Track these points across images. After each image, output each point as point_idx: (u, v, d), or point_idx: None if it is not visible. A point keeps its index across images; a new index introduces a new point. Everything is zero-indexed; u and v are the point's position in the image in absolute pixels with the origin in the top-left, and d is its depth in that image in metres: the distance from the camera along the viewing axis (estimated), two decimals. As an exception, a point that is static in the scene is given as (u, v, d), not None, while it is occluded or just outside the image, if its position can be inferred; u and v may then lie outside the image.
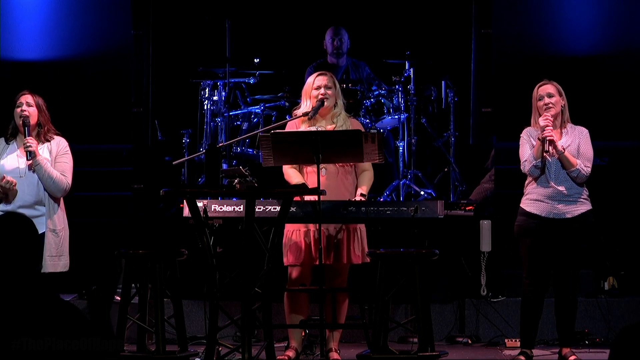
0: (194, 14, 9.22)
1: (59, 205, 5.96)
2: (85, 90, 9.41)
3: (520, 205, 6.27)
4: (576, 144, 6.18)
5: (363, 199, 6.04)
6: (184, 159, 7.54)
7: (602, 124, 9.12)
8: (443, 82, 8.60)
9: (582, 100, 9.18)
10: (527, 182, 6.28)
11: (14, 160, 5.96)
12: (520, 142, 6.25)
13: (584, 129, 6.26)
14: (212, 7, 9.16)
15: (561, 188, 6.13)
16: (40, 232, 5.82)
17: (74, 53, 9.61)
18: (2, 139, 6.09)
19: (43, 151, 5.98)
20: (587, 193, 6.23)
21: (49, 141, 6.02)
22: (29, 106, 5.98)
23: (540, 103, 6.17)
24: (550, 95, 6.18)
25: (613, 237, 7.84)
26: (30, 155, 5.89)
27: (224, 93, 8.50)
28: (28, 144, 5.89)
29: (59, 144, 6.03)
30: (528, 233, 6.19)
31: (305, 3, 9.34)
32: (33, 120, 5.98)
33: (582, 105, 9.07)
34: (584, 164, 6.13)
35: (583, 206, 6.19)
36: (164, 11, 9.10)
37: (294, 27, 9.32)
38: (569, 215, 6.15)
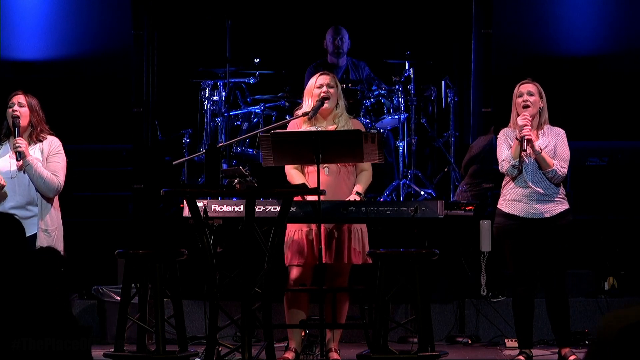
0: (194, 13, 9.22)
1: (52, 205, 5.93)
2: (85, 90, 9.42)
3: (498, 206, 6.27)
4: (553, 144, 6.19)
5: (358, 197, 6.03)
6: (184, 159, 7.53)
7: (601, 124, 9.14)
8: (443, 82, 8.60)
9: (581, 101, 9.19)
10: (504, 182, 6.28)
11: (5, 161, 5.94)
12: (497, 143, 6.28)
13: (560, 130, 6.26)
14: (212, 7, 9.16)
15: (538, 188, 6.13)
16: (32, 232, 5.81)
17: (74, 53, 9.62)
18: None
19: (35, 151, 5.95)
20: (565, 192, 6.24)
21: (42, 141, 5.98)
22: (20, 106, 5.95)
23: (519, 100, 6.18)
24: (530, 94, 6.18)
25: (613, 237, 7.84)
26: (20, 155, 5.87)
27: (224, 93, 8.50)
28: (17, 145, 5.87)
29: (51, 143, 5.99)
30: (508, 234, 6.20)
31: (305, 3, 9.34)
32: (24, 120, 5.95)
33: (582, 106, 9.09)
34: (560, 165, 6.13)
35: (561, 205, 6.19)
36: (164, 11, 9.10)
37: (294, 27, 9.32)
38: (547, 215, 6.15)
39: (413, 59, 8.51)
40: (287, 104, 8.43)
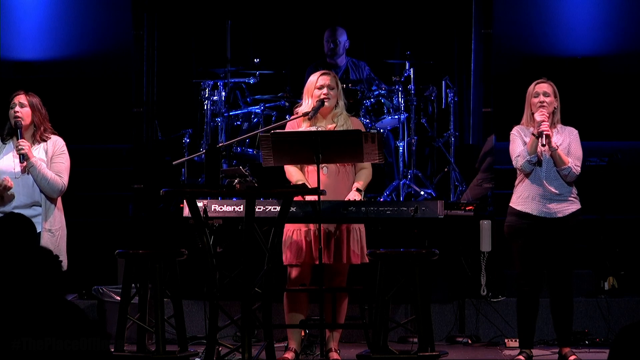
0: (194, 13, 9.22)
1: (55, 205, 5.93)
2: (85, 90, 9.42)
3: (510, 204, 6.27)
4: (567, 143, 6.20)
5: (358, 194, 6.02)
6: (184, 159, 7.52)
7: (601, 124, 9.15)
8: (443, 82, 8.59)
9: (581, 101, 9.20)
10: (517, 181, 6.28)
11: (9, 161, 5.93)
12: (510, 139, 6.27)
13: (573, 129, 6.27)
14: (212, 7, 9.15)
15: (552, 187, 6.14)
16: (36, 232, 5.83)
17: (74, 53, 9.62)
18: None
19: (39, 152, 5.94)
20: (576, 192, 6.24)
21: (45, 141, 5.96)
22: (21, 107, 5.93)
23: (535, 100, 6.18)
24: (546, 94, 6.19)
25: (613, 237, 7.84)
26: (23, 158, 5.86)
27: (224, 93, 8.50)
28: (20, 147, 5.86)
29: (55, 143, 5.98)
30: (520, 233, 6.19)
31: (305, 3, 9.33)
32: (26, 120, 5.94)
33: (581, 106, 9.10)
34: (574, 163, 6.15)
35: (573, 205, 6.20)
36: (164, 11, 9.09)
37: (294, 27, 9.31)
38: (560, 215, 6.16)
39: (413, 59, 8.51)
40: (287, 104, 8.42)
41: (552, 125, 6.22)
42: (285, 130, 6.16)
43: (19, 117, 5.90)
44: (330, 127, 6.11)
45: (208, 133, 8.48)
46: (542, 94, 6.18)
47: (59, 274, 3.06)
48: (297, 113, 6.23)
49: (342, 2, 9.35)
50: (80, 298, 7.52)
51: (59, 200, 5.98)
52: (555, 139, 6.18)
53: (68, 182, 5.98)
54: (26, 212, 5.81)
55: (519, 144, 6.19)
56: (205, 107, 8.53)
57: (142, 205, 8.37)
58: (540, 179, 6.16)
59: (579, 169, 6.17)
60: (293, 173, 6.12)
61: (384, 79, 8.60)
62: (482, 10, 8.70)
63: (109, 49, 9.48)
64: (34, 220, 5.77)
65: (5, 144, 6.00)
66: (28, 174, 5.88)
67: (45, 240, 5.83)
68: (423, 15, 9.23)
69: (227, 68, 8.48)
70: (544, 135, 6.04)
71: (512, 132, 6.27)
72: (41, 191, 5.88)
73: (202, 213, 5.67)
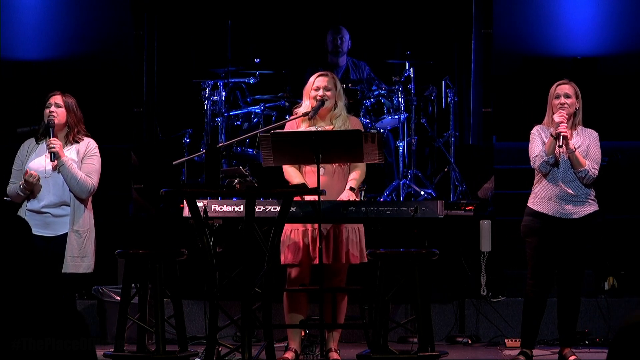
0: (194, 13, 9.21)
1: (85, 206, 5.95)
2: (85, 90, 9.39)
3: (528, 204, 6.26)
4: (586, 145, 6.19)
5: (352, 193, 6.02)
6: (184, 159, 7.52)
7: (601, 124, 9.13)
8: (443, 82, 8.59)
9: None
10: (535, 181, 6.27)
11: (41, 160, 5.98)
12: (530, 138, 6.24)
13: (594, 132, 6.26)
14: (212, 7, 9.15)
15: (568, 188, 6.12)
16: (63, 232, 5.89)
17: (74, 53, 9.62)
18: (33, 138, 6.10)
19: (70, 152, 5.99)
20: (594, 194, 6.22)
21: (78, 142, 6.03)
22: (57, 107, 6.00)
23: (556, 102, 6.17)
24: (567, 96, 6.17)
25: (613, 237, 7.84)
26: (54, 156, 5.90)
27: (224, 93, 8.50)
28: (51, 145, 5.91)
29: (88, 145, 6.04)
30: (535, 233, 6.18)
31: (305, 3, 9.33)
32: (60, 121, 5.99)
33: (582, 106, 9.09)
34: (592, 166, 6.13)
35: (590, 207, 6.19)
36: (164, 11, 9.09)
37: (294, 27, 9.31)
38: (576, 216, 6.16)
39: (413, 59, 8.50)
40: (287, 104, 8.42)
41: (573, 126, 6.21)
42: (285, 130, 6.16)
43: (53, 117, 5.94)
44: (329, 128, 6.10)
45: (208, 133, 8.47)
46: (562, 96, 6.17)
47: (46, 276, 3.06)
48: (296, 114, 6.23)
49: (342, 2, 9.34)
50: (80, 298, 7.52)
51: (90, 201, 6.01)
52: (575, 141, 6.17)
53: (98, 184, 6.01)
54: (55, 211, 5.88)
55: (538, 144, 6.18)
56: (205, 107, 8.53)
57: (142, 205, 8.37)
58: (557, 180, 6.14)
59: (596, 172, 6.15)
60: (292, 173, 6.12)
61: (384, 79, 8.60)
62: (482, 10, 8.70)
63: (109, 49, 9.48)
64: (61, 219, 5.88)
65: (39, 143, 6.06)
66: (58, 172, 5.92)
67: (72, 241, 5.86)
68: (423, 15, 9.23)
69: (227, 68, 8.48)
70: (561, 137, 6.03)
71: (532, 131, 6.25)
72: (71, 191, 5.91)
73: (202, 213, 5.68)
